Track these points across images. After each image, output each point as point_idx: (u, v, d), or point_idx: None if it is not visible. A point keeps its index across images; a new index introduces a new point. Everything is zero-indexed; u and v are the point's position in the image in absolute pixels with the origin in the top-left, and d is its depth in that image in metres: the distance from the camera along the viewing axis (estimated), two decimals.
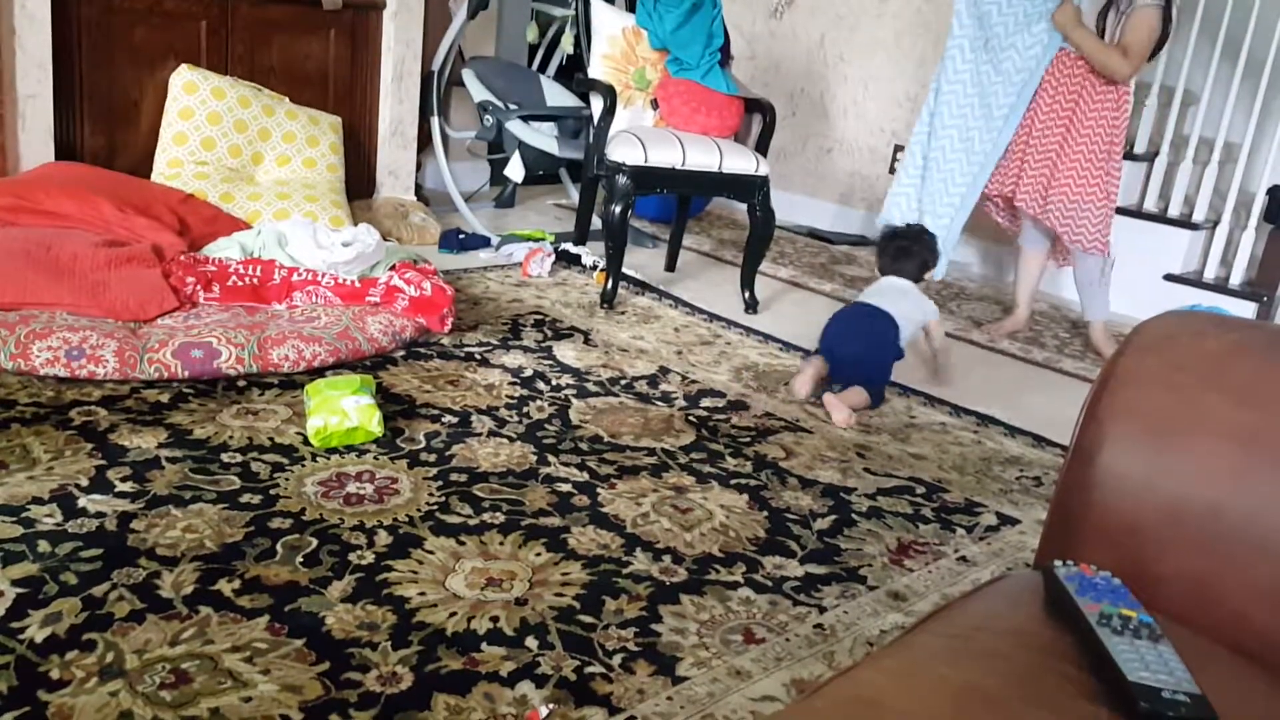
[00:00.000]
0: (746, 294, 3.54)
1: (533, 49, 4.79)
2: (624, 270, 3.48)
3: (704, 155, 3.31)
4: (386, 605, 1.56)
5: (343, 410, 2.08)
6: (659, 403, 2.56)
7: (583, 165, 3.63)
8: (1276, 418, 0.96)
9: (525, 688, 1.42)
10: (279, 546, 1.69)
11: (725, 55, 3.62)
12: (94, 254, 2.51)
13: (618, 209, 3.24)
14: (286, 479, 1.92)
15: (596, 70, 3.50)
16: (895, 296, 2.84)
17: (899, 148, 4.87)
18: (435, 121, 4.16)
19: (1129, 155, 4.15)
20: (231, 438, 2.06)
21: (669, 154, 3.26)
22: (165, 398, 2.21)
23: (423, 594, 1.61)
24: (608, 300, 3.32)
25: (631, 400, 2.55)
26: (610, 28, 3.52)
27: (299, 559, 1.66)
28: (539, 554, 1.77)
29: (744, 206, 3.50)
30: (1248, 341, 1.05)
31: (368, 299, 2.75)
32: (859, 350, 2.73)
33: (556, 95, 4.08)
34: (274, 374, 2.38)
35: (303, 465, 1.99)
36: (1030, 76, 3.31)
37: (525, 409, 2.40)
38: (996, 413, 2.77)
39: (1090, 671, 0.83)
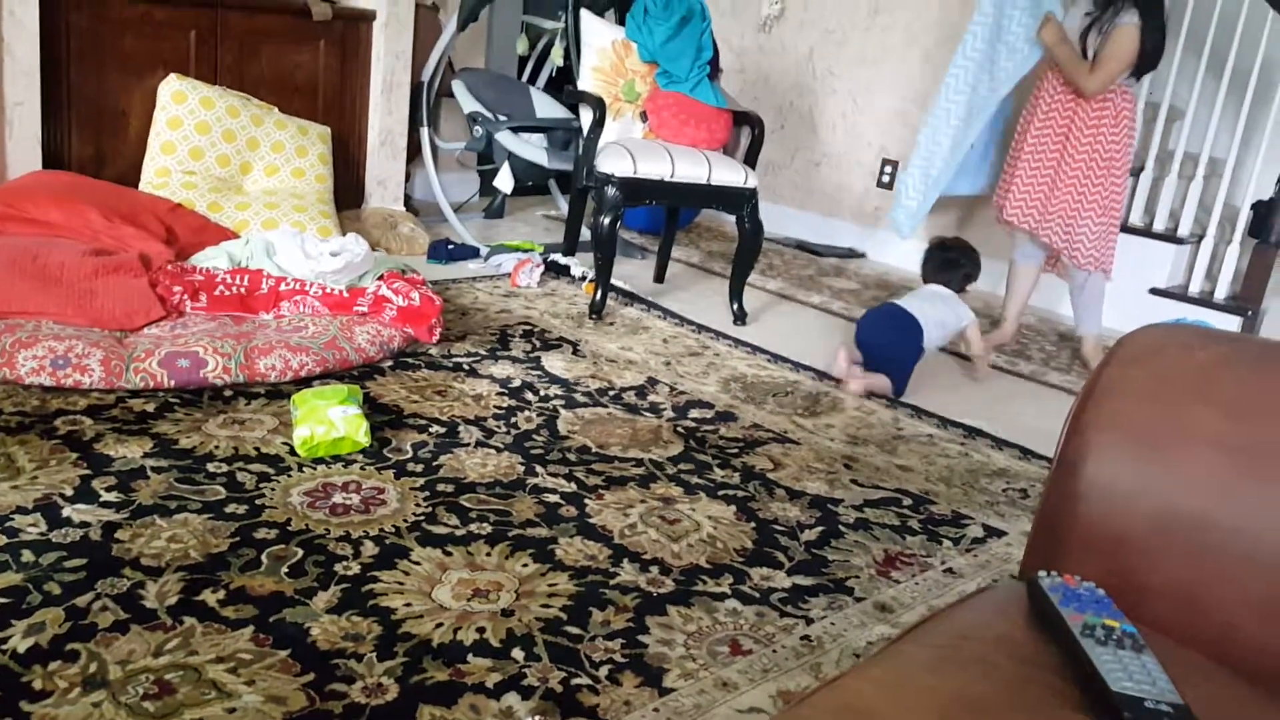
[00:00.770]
0: (735, 305, 3.55)
1: (522, 61, 4.80)
2: (613, 281, 3.48)
3: (693, 167, 3.32)
4: (372, 616, 1.56)
5: (330, 420, 2.07)
6: (647, 413, 2.56)
7: (572, 176, 3.63)
8: (1262, 429, 0.97)
9: (511, 699, 1.41)
10: (264, 557, 1.68)
11: (714, 68, 3.64)
12: (81, 263, 2.50)
13: (606, 220, 3.24)
14: (272, 489, 1.91)
15: (586, 82, 3.51)
16: (929, 301, 3.10)
17: (887, 161, 4.90)
18: (425, 132, 4.16)
19: None
20: (217, 448, 2.05)
21: (658, 166, 3.27)
22: (151, 407, 2.20)
23: (409, 605, 1.60)
24: (596, 311, 3.32)
25: (620, 411, 2.55)
26: (600, 40, 3.54)
27: (284, 569, 1.65)
28: (526, 565, 1.77)
29: (733, 219, 3.52)
30: (1234, 354, 1.06)
31: (356, 309, 2.75)
32: (881, 343, 3.01)
33: (546, 107, 4.08)
34: (261, 384, 2.38)
35: (289, 475, 1.98)
36: (1019, 63, 3.46)
37: (513, 419, 2.40)
38: (983, 425, 2.78)
39: (1074, 682, 0.83)
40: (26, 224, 2.75)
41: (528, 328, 3.12)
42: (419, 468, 2.08)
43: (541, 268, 3.69)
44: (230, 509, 1.82)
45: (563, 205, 4.76)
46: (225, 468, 1.97)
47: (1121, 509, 1.00)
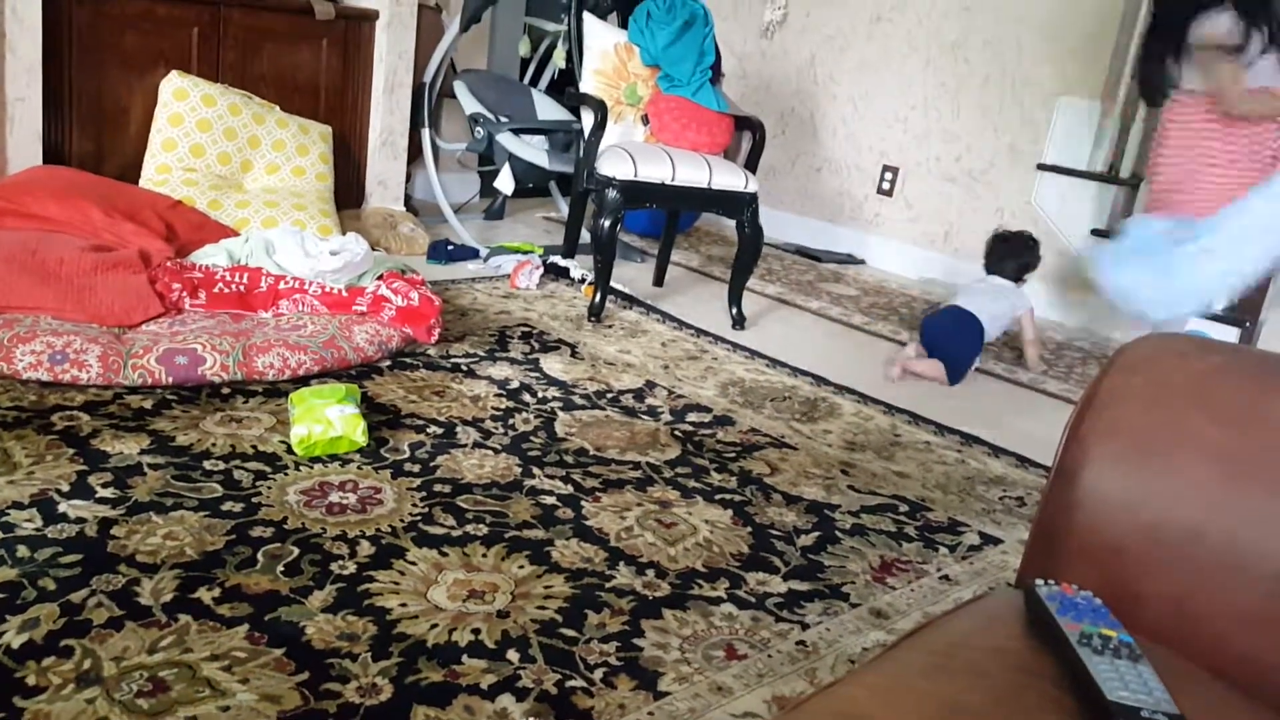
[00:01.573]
0: (734, 310, 3.55)
1: (525, 63, 4.81)
2: (612, 284, 3.48)
3: (694, 171, 3.32)
4: (367, 616, 1.56)
5: (327, 419, 2.07)
6: (645, 417, 2.55)
7: (573, 179, 3.63)
8: (1260, 440, 0.97)
9: (506, 701, 1.41)
10: (260, 555, 1.68)
11: (716, 73, 3.64)
12: (80, 258, 2.50)
13: (607, 223, 3.24)
14: (269, 487, 1.91)
15: (588, 85, 3.52)
16: (988, 296, 3.29)
17: (887, 167, 4.90)
18: (426, 133, 4.17)
19: (1109, 179, 4.19)
20: (214, 445, 2.05)
21: (659, 169, 3.27)
22: (149, 404, 2.19)
23: (404, 605, 1.60)
24: (595, 313, 3.32)
25: (617, 414, 2.55)
26: (602, 43, 3.54)
27: (280, 568, 1.65)
28: (522, 566, 1.77)
29: (733, 223, 3.51)
30: (1232, 364, 1.06)
31: (354, 308, 2.75)
32: (947, 345, 3.20)
33: (548, 109, 4.09)
34: (259, 382, 2.38)
35: (286, 474, 1.98)
36: None
37: (511, 421, 2.40)
38: (981, 433, 2.78)
39: (1070, 690, 0.83)
40: (26, 219, 2.75)
41: (526, 329, 3.12)
42: (416, 468, 2.08)
43: (541, 269, 3.69)
44: (227, 507, 1.82)
45: (563, 207, 4.76)
46: (222, 465, 1.97)
47: (1119, 518, 1.00)
